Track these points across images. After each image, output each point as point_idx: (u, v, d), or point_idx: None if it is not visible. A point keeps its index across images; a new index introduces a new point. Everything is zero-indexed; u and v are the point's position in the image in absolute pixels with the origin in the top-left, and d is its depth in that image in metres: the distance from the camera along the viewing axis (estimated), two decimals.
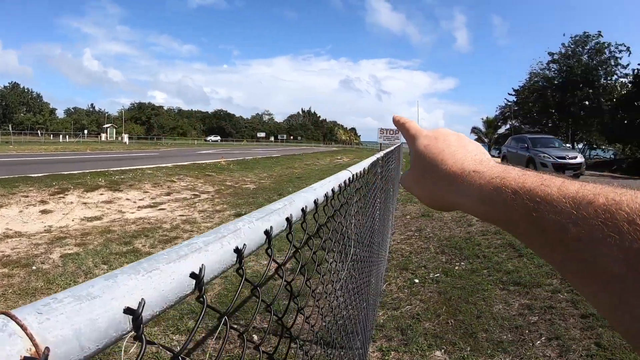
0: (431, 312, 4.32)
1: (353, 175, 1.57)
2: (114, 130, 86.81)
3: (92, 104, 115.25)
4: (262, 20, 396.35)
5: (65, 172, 13.17)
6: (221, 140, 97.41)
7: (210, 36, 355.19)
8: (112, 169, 14.84)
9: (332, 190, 1.17)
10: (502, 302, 4.43)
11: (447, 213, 9.09)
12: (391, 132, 44.01)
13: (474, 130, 59.68)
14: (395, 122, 0.68)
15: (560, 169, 15.77)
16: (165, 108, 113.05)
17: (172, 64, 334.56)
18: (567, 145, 19.13)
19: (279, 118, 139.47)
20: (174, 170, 15.82)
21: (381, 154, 3.58)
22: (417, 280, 5.22)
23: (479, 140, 58.78)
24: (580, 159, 16.80)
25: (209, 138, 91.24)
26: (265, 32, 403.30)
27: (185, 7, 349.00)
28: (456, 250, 6.27)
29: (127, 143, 55.67)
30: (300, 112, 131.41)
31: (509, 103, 51.33)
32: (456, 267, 5.61)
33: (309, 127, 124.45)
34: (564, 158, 16.37)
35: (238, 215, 8.08)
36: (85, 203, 9.63)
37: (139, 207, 9.76)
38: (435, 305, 4.46)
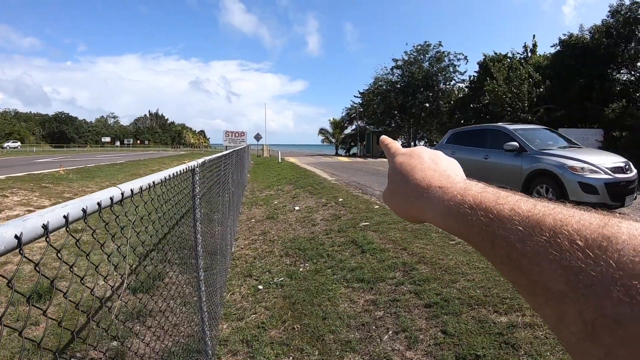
0: (276, 318, 4.03)
1: (122, 193, 1.34)
2: None
3: None
4: (111, 13, 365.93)
5: None
6: (53, 147, 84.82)
7: (54, 28, 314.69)
8: None
9: (65, 216, 0.94)
10: (347, 300, 4.33)
11: (291, 214, 9.00)
12: (236, 135, 43.56)
13: (322, 131, 61.70)
14: (381, 142, 0.70)
15: (618, 195, 7.98)
16: (0, 110, 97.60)
17: (10, 59, 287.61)
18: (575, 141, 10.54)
19: (126, 121, 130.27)
20: (7, 183, 13.60)
21: (200, 161, 3.16)
22: (261, 287, 4.90)
23: (326, 140, 61.31)
24: (634, 170, 8.52)
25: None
26: (113, 26, 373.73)
27: None
28: (300, 252, 6.12)
29: None
30: (148, 115, 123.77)
31: (355, 105, 54.57)
32: (300, 269, 5.43)
33: (157, 131, 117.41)
34: (622, 170, 8.25)
35: (75, 231, 6.90)
36: None
37: None
38: (281, 311, 4.18)
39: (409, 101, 44.31)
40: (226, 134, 43.92)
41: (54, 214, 0.87)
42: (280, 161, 30.20)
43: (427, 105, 43.79)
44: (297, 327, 3.83)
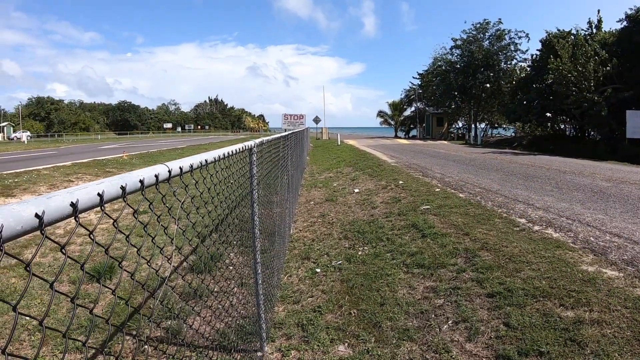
0: (333, 302, 3.99)
1: (170, 170, 1.33)
2: (12, 128, 74.96)
3: None
4: (165, 5, 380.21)
5: None
6: (117, 134, 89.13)
7: (113, 22, 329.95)
8: (5, 172, 13.15)
9: (100, 194, 0.99)
10: (406, 286, 4.21)
11: (351, 196, 8.92)
12: (295, 118, 43.81)
13: (380, 113, 60.88)
14: None
15: None
16: (66, 102, 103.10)
17: (72, 54, 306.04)
18: None
19: (186, 107, 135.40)
20: (72, 169, 14.55)
21: (257, 141, 3.10)
22: (318, 270, 4.88)
23: (384, 122, 60.52)
24: None
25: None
26: (170, 17, 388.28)
27: None
28: (359, 235, 6.04)
29: (26, 142, 49.32)
30: (207, 101, 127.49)
31: (414, 86, 53.24)
32: (359, 252, 5.36)
33: (217, 116, 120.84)
34: None
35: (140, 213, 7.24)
36: None
37: None
38: (338, 296, 4.14)
39: (469, 81, 42.54)
40: (285, 117, 44.28)
41: (68, 197, 0.87)
42: (339, 144, 30.12)
43: (488, 85, 41.78)
44: (354, 313, 3.77)
